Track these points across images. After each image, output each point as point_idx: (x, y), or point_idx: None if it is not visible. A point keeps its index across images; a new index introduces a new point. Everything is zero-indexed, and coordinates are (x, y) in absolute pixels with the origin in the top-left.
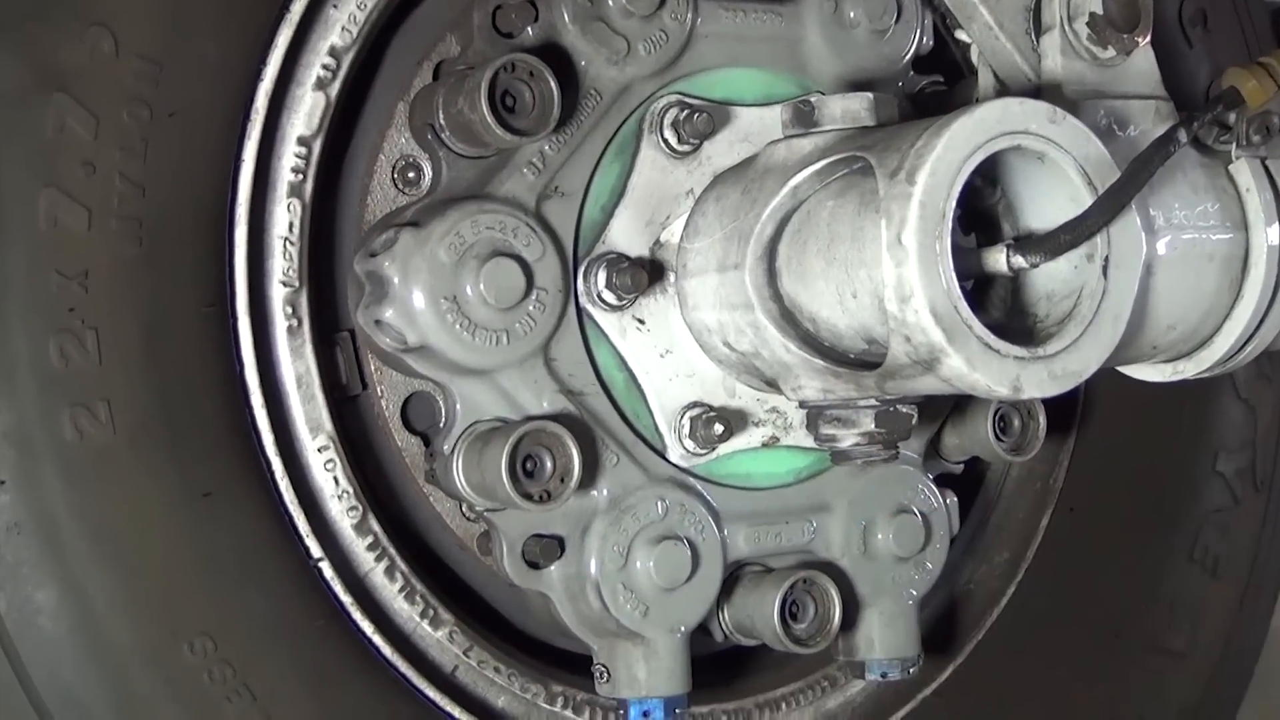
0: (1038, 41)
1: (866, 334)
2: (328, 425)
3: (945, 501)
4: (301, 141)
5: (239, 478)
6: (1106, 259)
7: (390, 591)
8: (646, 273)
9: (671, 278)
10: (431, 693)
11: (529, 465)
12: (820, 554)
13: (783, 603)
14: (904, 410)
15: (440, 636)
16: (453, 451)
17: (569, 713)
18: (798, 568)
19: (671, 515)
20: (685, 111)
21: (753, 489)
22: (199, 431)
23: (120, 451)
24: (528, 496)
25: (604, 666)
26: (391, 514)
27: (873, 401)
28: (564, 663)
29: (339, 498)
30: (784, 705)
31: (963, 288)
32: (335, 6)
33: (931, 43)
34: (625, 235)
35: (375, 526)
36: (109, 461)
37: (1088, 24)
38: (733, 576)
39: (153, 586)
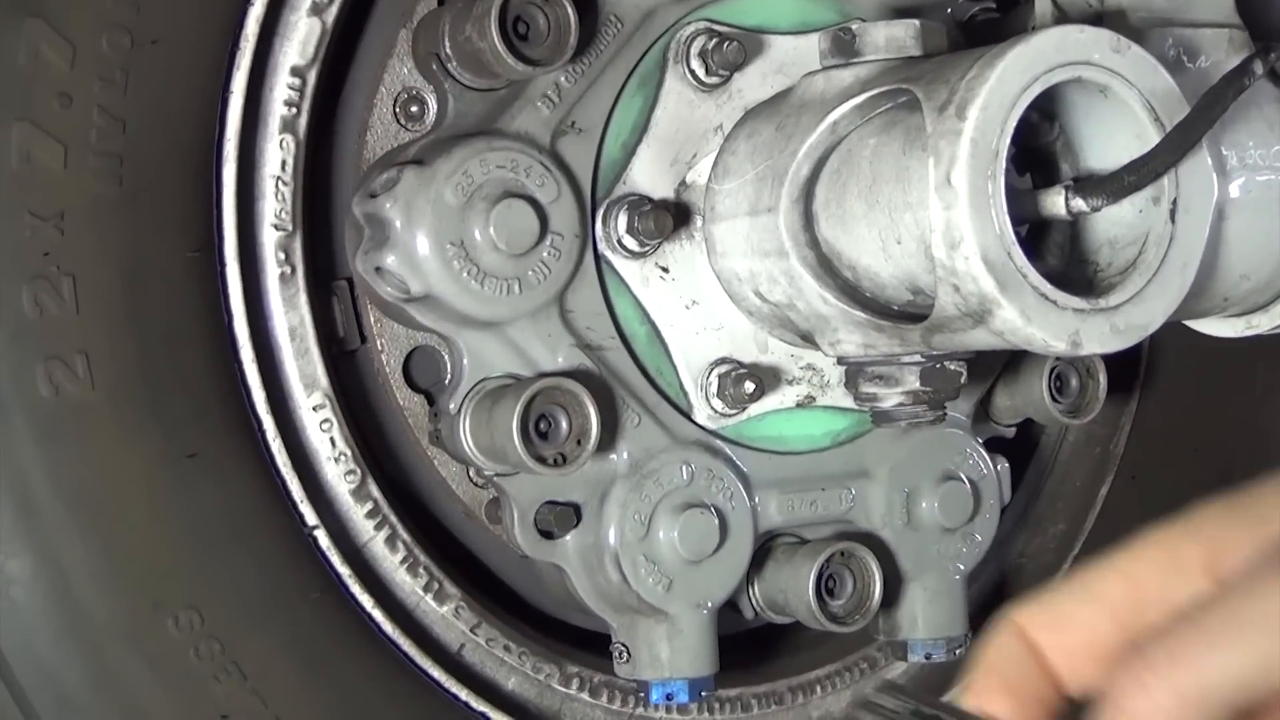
0: None
1: (911, 283)
2: (323, 382)
3: (996, 468)
4: (295, 72)
5: (227, 438)
6: (1174, 202)
7: (391, 563)
8: (671, 216)
9: (698, 222)
10: (436, 673)
11: (542, 426)
12: (859, 524)
13: (818, 577)
14: (952, 368)
15: (445, 612)
16: (459, 411)
17: (585, 695)
18: (835, 539)
19: (698, 481)
20: (714, 40)
21: (786, 453)
22: (184, 387)
23: (99, 409)
24: (541, 460)
25: (623, 645)
26: (393, 479)
27: (918, 358)
28: (580, 641)
29: (336, 460)
30: (819, 689)
31: (1017, 233)
32: None
33: None
34: (648, 175)
35: (375, 492)
36: (87, 420)
37: None
38: (764, 548)
39: (133, 556)
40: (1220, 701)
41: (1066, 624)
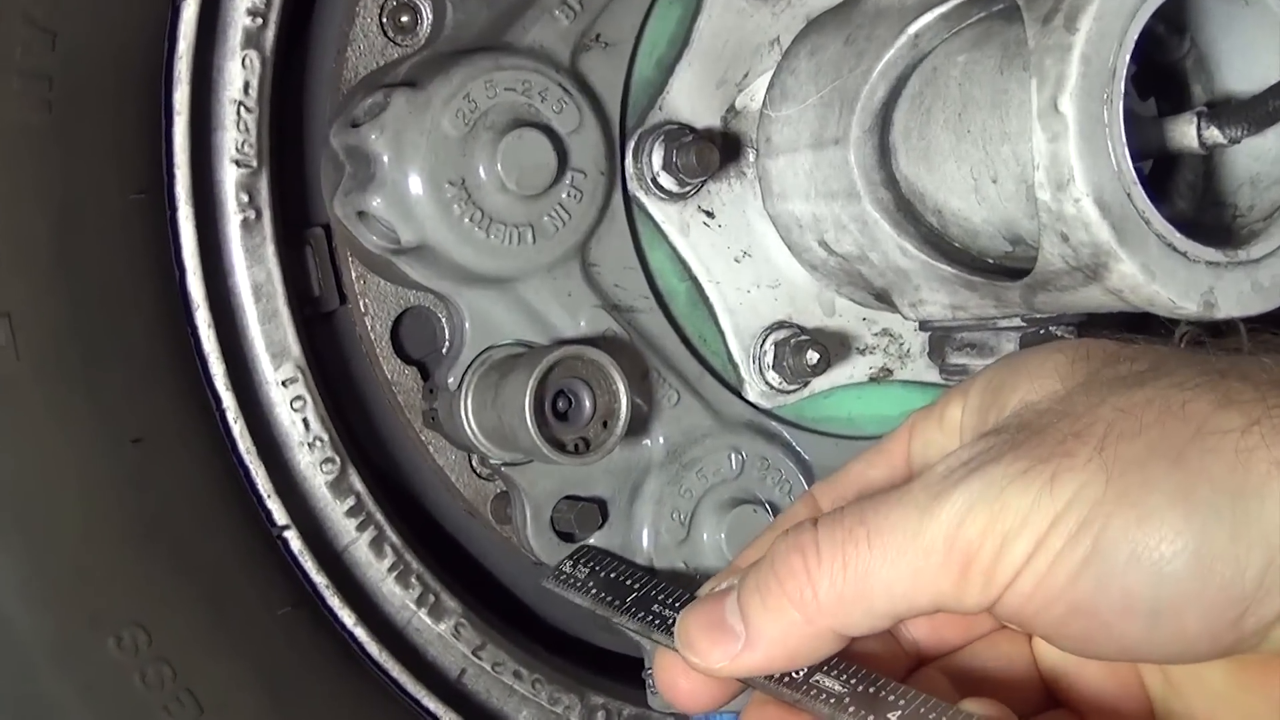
0: None
1: (1010, 231)
2: (295, 351)
3: None
4: None
5: (178, 419)
6: None
7: (378, 570)
8: (717, 149)
9: (751, 156)
10: (432, 703)
11: (561, 405)
12: None
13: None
14: (1058, 333)
15: (443, 630)
16: (460, 386)
17: None
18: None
19: (749, 472)
20: None
21: (857, 438)
22: (126, 358)
23: (24, 383)
24: (559, 446)
25: None
26: (379, 469)
27: (1017, 321)
28: (605, 666)
29: (310, 446)
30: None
31: (1139, 169)
32: None
33: None
34: (689, 99)
35: (358, 484)
36: (9, 396)
37: None
38: None
39: (67, 562)
40: (878, 611)
41: (843, 481)
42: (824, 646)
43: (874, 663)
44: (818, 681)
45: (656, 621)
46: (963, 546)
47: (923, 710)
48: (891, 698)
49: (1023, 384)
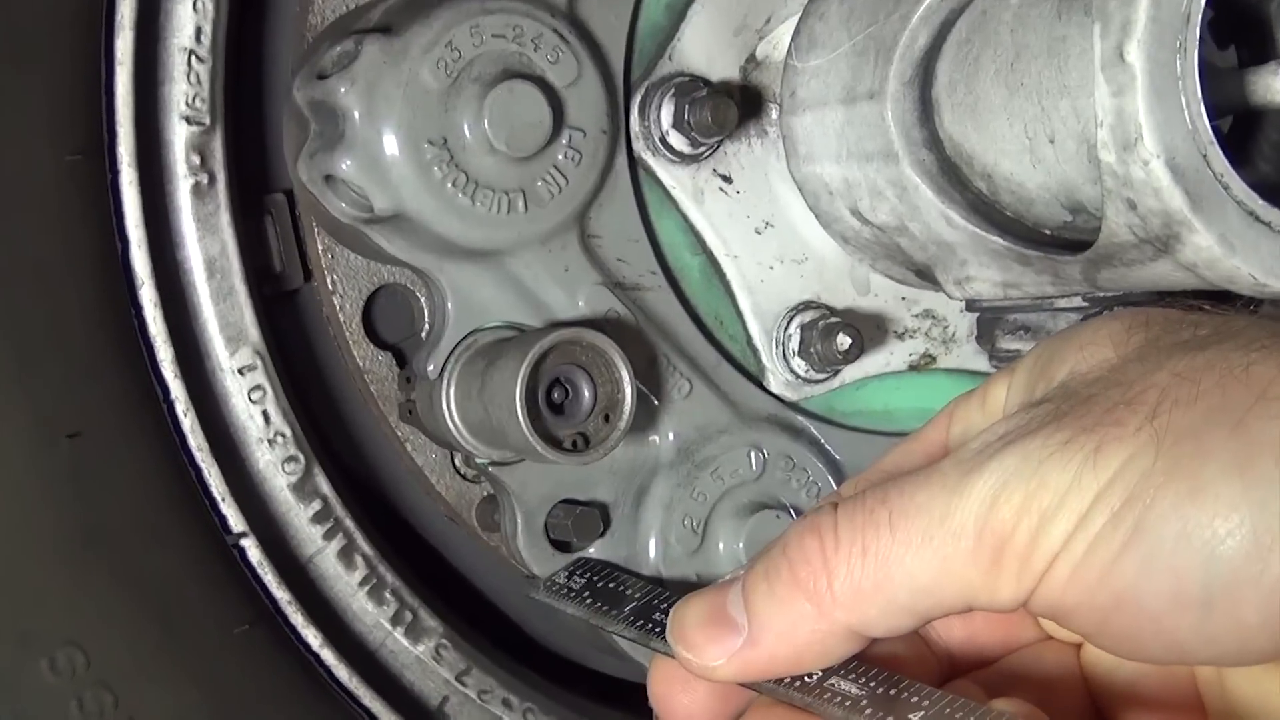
0: None
1: (1069, 198)
2: (253, 334)
3: None
4: None
5: (121, 412)
6: None
7: (347, 584)
8: (736, 105)
9: (774, 113)
10: None
11: (557, 395)
12: None
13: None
14: None
15: (422, 653)
16: (441, 375)
17: None
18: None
19: (771, 473)
20: None
21: (895, 434)
22: (62, 342)
23: None
24: (554, 443)
25: None
26: (349, 469)
27: (1077, 301)
28: (608, 695)
29: (270, 443)
30: None
31: (1216, 127)
32: None
33: None
34: (703, 48)
35: (324, 487)
36: None
37: None
38: None
39: None
40: (900, 606)
41: (873, 477)
42: (837, 646)
43: (899, 670)
44: (832, 685)
45: (658, 630)
46: (995, 529)
47: (948, 711)
48: (914, 699)
49: (1072, 354)
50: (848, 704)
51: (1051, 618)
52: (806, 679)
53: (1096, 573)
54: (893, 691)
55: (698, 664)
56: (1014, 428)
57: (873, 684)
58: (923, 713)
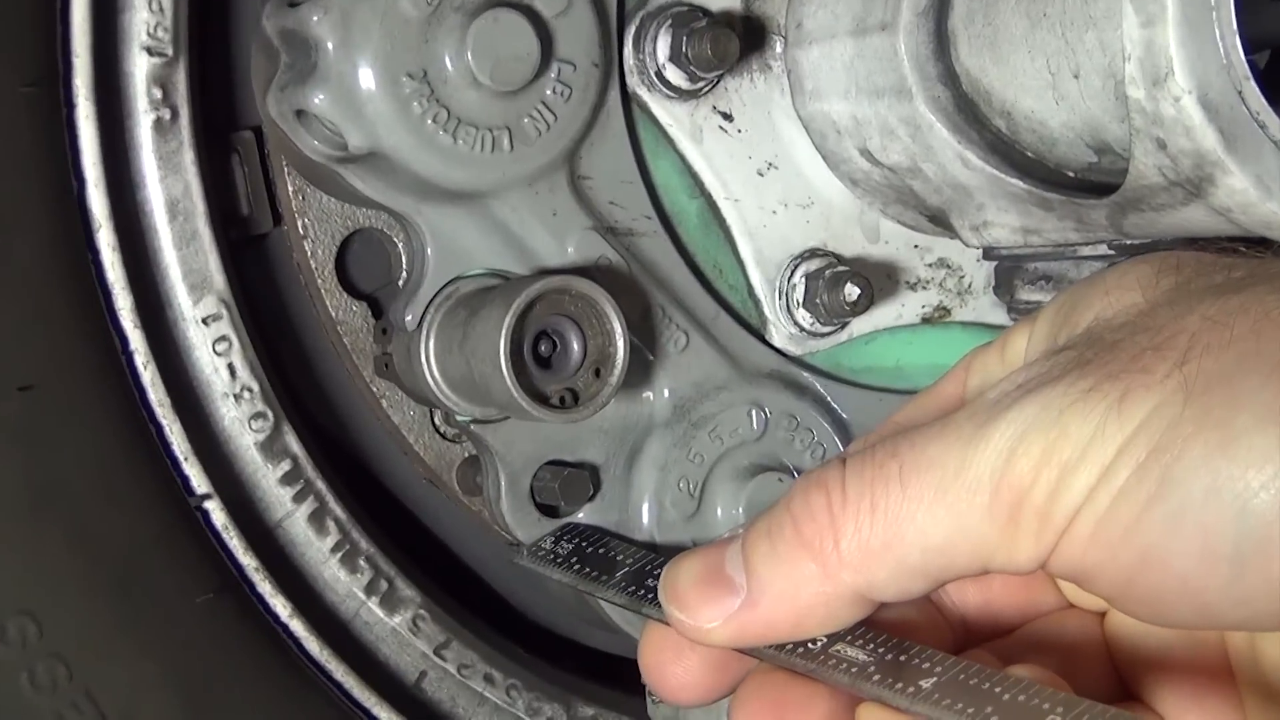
0: None
1: (1094, 137)
2: (219, 281)
3: None
4: None
5: (75, 364)
6: None
7: (318, 550)
8: (737, 36)
9: (778, 46)
10: (384, 713)
11: (544, 348)
12: None
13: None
14: None
15: (399, 624)
16: (420, 326)
17: None
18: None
19: (774, 433)
20: None
21: (907, 391)
22: (12, 287)
23: None
24: (541, 399)
25: None
26: (321, 427)
27: (1103, 249)
28: (597, 670)
29: (236, 399)
30: None
31: (1252, 62)
32: None
33: None
34: None
35: (294, 446)
36: None
37: None
38: None
39: None
40: (911, 568)
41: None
42: (842, 610)
43: (910, 638)
44: (838, 651)
45: (651, 597)
46: (1013, 483)
47: (962, 677)
48: (926, 664)
49: (1098, 299)
50: (854, 670)
51: (1072, 579)
52: (810, 645)
53: (1120, 529)
54: (902, 657)
55: (691, 625)
56: (1034, 376)
57: (881, 650)
58: (935, 679)
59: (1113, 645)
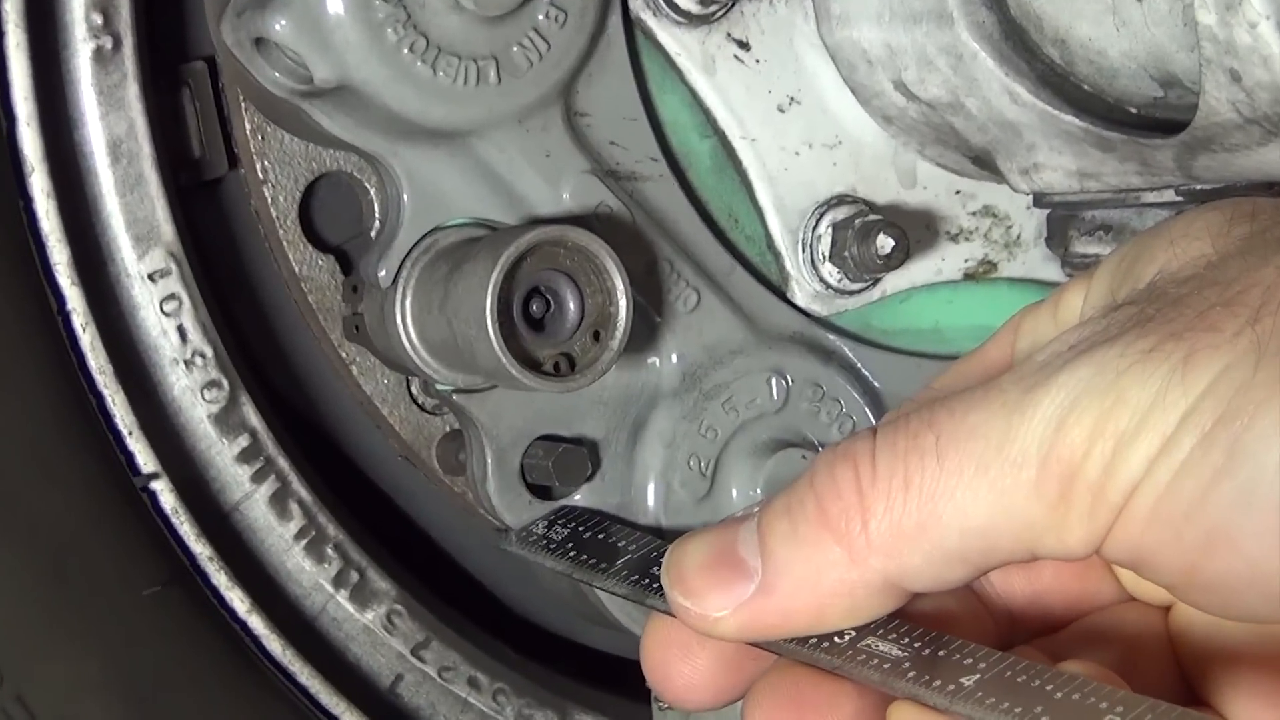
0: None
1: (1160, 69)
2: (167, 232)
3: None
4: None
5: (6, 326)
6: None
7: (280, 537)
8: None
9: None
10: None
11: (535, 308)
12: None
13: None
14: None
15: (371, 621)
16: (396, 283)
17: None
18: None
19: (796, 403)
20: None
21: (948, 357)
22: None
23: None
24: (533, 366)
25: None
26: (283, 397)
27: (1169, 195)
28: (596, 673)
29: (187, 365)
30: None
31: None
32: None
33: None
34: None
35: (253, 418)
36: None
37: None
38: None
39: None
40: (948, 552)
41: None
42: (869, 600)
43: (948, 632)
44: (867, 646)
45: (656, 586)
46: (1063, 455)
47: (1009, 674)
48: (967, 660)
49: (1162, 251)
50: (885, 667)
51: (1130, 565)
52: (836, 639)
53: (1183, 507)
54: (941, 653)
55: (697, 614)
56: (1088, 335)
57: (916, 644)
58: (978, 675)
59: (1178, 644)
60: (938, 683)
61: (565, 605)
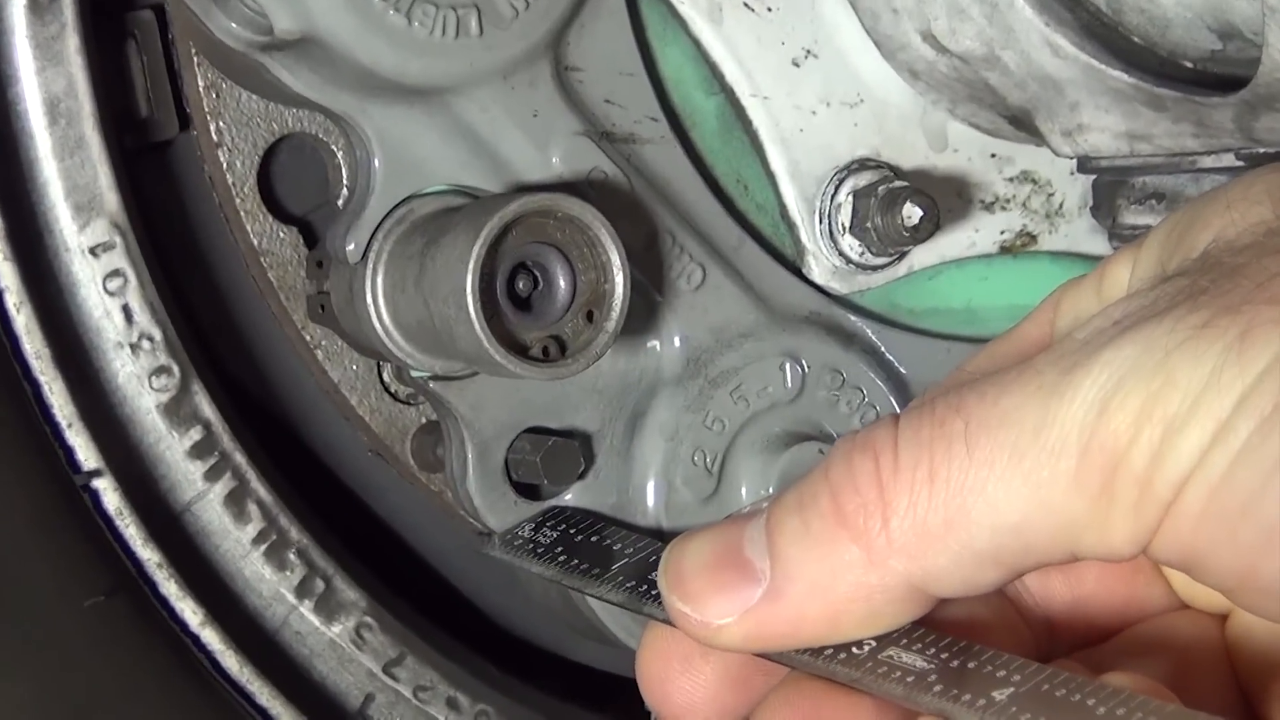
0: None
1: (1218, 18)
2: (111, 202)
3: None
4: None
5: None
6: None
7: (237, 541)
8: None
9: None
10: None
11: (522, 285)
12: None
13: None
14: None
15: (339, 635)
16: (366, 258)
17: None
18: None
19: (813, 392)
20: None
21: (981, 339)
22: None
23: None
24: (519, 349)
25: None
26: (240, 386)
27: (1228, 159)
28: (585, 690)
29: (134, 349)
30: None
31: None
32: None
33: None
34: None
35: (206, 409)
36: None
37: None
38: None
39: None
40: (979, 553)
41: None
42: (890, 607)
43: (980, 642)
44: (889, 657)
45: (655, 593)
46: (1105, 443)
47: (1046, 686)
48: (1000, 672)
49: (1217, 216)
50: (909, 680)
51: (1181, 566)
52: (854, 649)
53: (1240, 501)
54: (971, 664)
55: (698, 621)
56: (1134, 310)
57: (943, 655)
58: (1011, 689)
59: (1235, 654)
60: (967, 697)
61: (555, 617)
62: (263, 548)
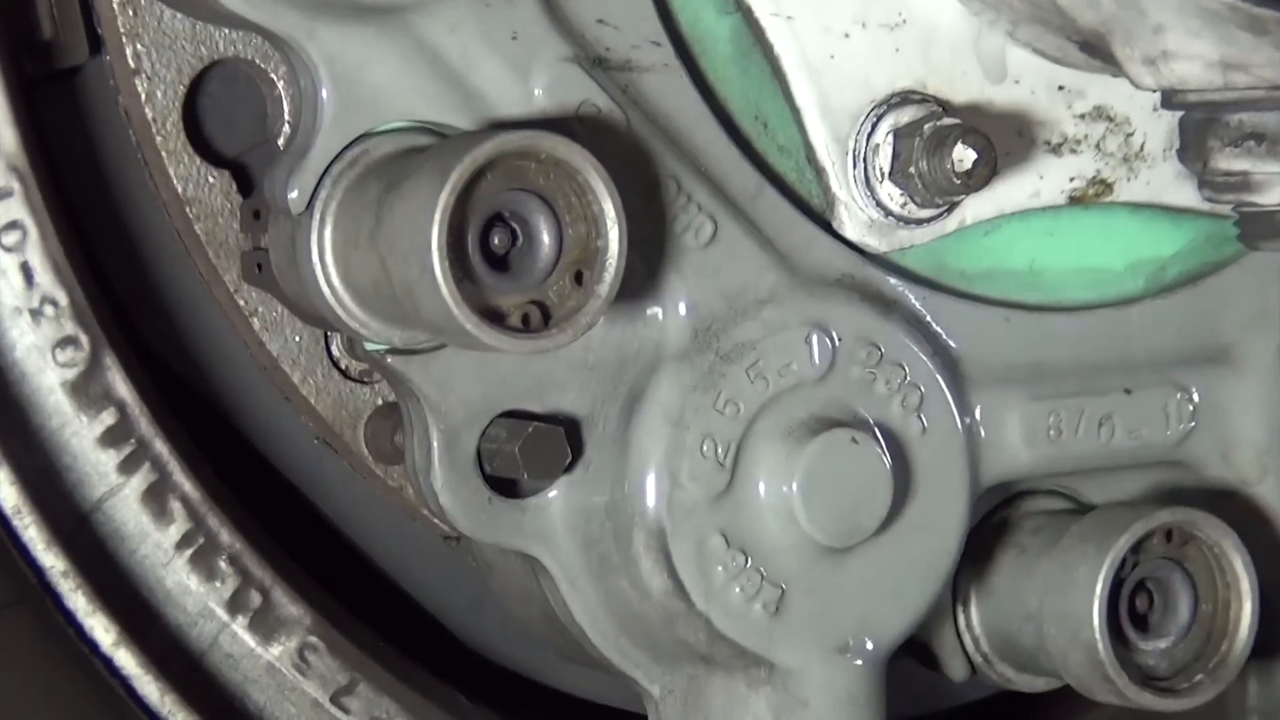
0: None
1: None
2: (8, 140)
3: None
4: None
5: None
6: None
7: (157, 546)
8: None
9: None
10: None
11: (498, 240)
12: (1207, 470)
13: (1113, 588)
14: None
15: (278, 658)
16: (311, 208)
17: None
18: (1153, 502)
19: (846, 370)
20: None
21: (1045, 309)
22: None
23: None
24: (494, 317)
25: None
26: (160, 360)
27: None
28: None
29: (33, 316)
30: None
31: None
32: None
33: None
34: None
35: (121, 388)
36: None
37: None
38: (990, 525)
39: None
40: None
41: None
42: None
43: None
44: None
45: None
46: None
47: None
48: None
49: None
50: None
51: None
52: None
53: None
54: None
55: None
56: None
57: None
58: None
59: None
60: None
61: (535, 636)
62: (188, 553)
